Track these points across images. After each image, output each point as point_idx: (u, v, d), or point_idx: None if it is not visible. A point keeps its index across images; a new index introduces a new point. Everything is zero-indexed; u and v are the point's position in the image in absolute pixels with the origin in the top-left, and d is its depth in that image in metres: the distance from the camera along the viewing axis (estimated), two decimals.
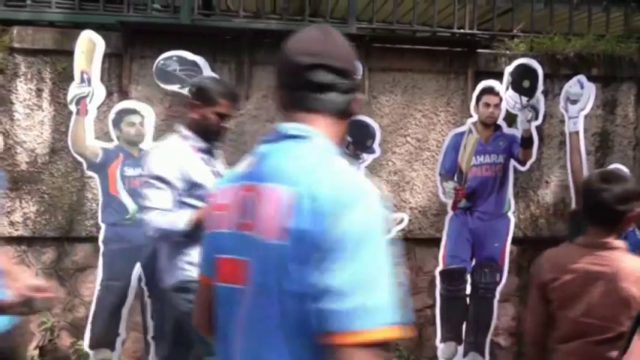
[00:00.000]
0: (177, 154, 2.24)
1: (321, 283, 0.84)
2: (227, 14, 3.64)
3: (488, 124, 3.24)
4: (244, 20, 3.46)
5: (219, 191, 1.07)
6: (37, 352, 3.19)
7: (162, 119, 3.18)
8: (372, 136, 3.17)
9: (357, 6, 3.63)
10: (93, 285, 3.05)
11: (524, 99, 3.22)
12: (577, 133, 3.26)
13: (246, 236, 0.95)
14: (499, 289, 3.25)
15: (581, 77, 3.29)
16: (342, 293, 0.83)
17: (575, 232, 2.21)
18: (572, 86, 3.29)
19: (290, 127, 0.99)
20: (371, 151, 3.19)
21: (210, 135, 2.31)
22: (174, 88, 3.03)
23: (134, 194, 2.91)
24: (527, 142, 3.21)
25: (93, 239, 3.12)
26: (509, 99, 3.23)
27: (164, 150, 2.29)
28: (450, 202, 3.25)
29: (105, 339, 3.01)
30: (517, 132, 3.25)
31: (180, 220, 2.17)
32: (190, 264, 2.16)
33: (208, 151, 2.33)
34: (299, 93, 1.00)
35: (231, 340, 0.97)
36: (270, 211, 0.91)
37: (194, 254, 2.10)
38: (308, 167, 0.92)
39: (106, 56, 3.06)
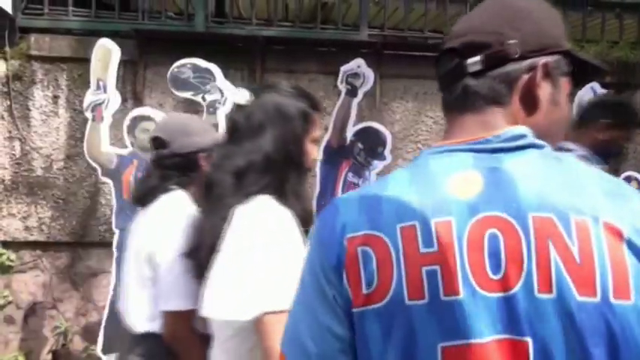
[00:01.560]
0: None
1: None
2: (240, 21, 3.67)
3: None
4: (256, 27, 3.49)
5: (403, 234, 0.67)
6: (50, 356, 3.23)
7: None
8: (383, 143, 3.17)
9: (368, 13, 3.64)
10: (106, 290, 3.07)
11: None
12: None
13: (508, 300, 0.63)
14: None
15: (595, 84, 3.27)
16: None
17: None
18: (585, 93, 3.27)
19: (524, 131, 0.74)
20: (382, 157, 3.19)
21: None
22: (188, 95, 3.05)
23: None
24: None
25: (106, 244, 3.14)
26: None
27: None
28: None
29: (118, 343, 3.03)
30: None
31: None
32: None
33: None
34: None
35: None
36: (581, 258, 0.62)
37: None
38: (605, 189, 0.67)
39: (121, 63, 3.09)
